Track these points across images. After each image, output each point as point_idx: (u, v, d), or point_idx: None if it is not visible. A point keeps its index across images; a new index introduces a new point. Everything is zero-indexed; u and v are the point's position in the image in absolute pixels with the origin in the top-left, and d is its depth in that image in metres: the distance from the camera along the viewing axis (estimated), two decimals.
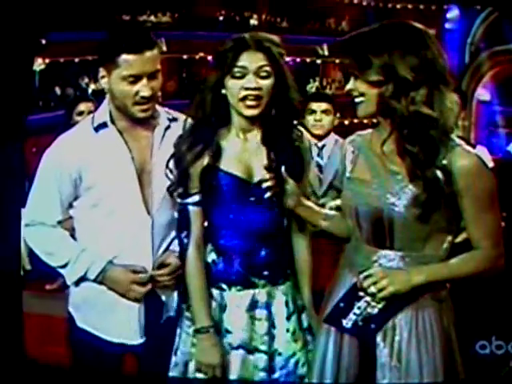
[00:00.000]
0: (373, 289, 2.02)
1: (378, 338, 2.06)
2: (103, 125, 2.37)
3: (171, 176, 2.25)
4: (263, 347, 2.24)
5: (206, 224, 2.28)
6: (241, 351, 2.23)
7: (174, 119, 2.44)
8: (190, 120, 2.25)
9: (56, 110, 5.97)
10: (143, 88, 2.29)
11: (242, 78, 2.12)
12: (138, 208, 2.38)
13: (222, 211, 2.22)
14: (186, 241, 2.27)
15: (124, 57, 2.28)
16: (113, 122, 2.37)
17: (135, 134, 2.41)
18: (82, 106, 4.12)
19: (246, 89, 2.11)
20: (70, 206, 2.41)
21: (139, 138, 2.41)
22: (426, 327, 2.04)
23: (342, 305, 2.09)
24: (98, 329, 2.41)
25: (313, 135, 3.71)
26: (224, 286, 2.25)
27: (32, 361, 2.44)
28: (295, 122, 2.26)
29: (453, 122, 2.00)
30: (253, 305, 2.24)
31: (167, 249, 2.45)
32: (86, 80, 6.86)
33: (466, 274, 2.04)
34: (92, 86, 6.92)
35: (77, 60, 6.25)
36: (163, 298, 2.43)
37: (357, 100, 2.04)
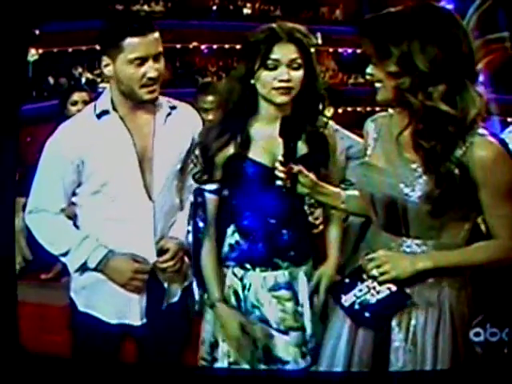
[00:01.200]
0: (375, 272, 2.04)
1: (394, 323, 2.09)
2: (105, 112, 2.42)
3: (196, 163, 2.34)
4: (295, 324, 2.33)
5: (228, 204, 2.35)
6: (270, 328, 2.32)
7: (174, 107, 2.49)
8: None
9: (50, 99, 5.98)
10: (150, 69, 2.35)
11: (274, 69, 2.21)
12: (140, 194, 2.43)
13: (246, 195, 2.32)
14: (201, 224, 2.33)
15: (129, 40, 2.33)
16: (115, 109, 2.42)
17: (137, 120, 2.46)
18: (76, 96, 4.16)
19: (280, 81, 2.21)
20: (74, 193, 2.46)
21: (141, 124, 2.46)
22: (443, 314, 2.06)
23: (347, 281, 2.13)
24: (100, 311, 2.47)
25: None
26: (248, 266, 2.34)
27: (27, 351, 2.47)
28: (320, 109, 2.32)
29: (474, 117, 1.95)
30: (276, 285, 2.32)
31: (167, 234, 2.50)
32: (80, 70, 6.87)
33: (479, 261, 2.05)
34: (85, 76, 6.93)
35: (70, 50, 6.26)
36: (165, 284, 2.47)
37: (376, 85, 2.03)
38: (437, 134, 1.95)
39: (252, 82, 2.27)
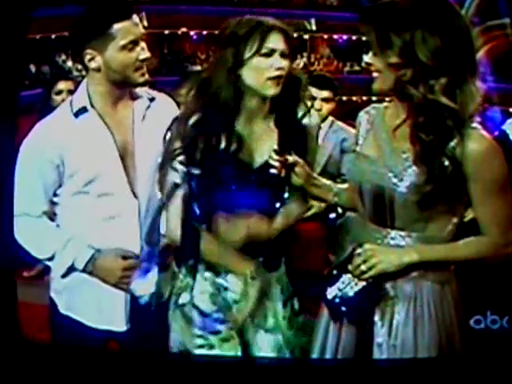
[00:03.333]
0: (363, 267, 2.08)
1: (376, 317, 2.12)
2: (83, 109, 2.41)
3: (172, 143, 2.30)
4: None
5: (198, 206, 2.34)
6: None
7: (153, 99, 2.50)
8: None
9: (31, 88, 5.95)
10: (142, 51, 2.36)
11: (269, 56, 2.21)
12: (124, 191, 2.43)
13: (219, 194, 2.29)
14: (199, 210, 2.30)
15: (117, 26, 2.34)
16: (92, 105, 2.41)
17: (116, 116, 2.47)
18: (61, 85, 4.17)
19: (277, 69, 2.21)
20: (55, 194, 2.45)
21: (120, 119, 2.46)
22: (423, 309, 2.11)
23: (334, 272, 2.15)
24: (83, 315, 2.46)
25: None
26: (219, 270, 2.32)
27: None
28: (301, 97, 2.35)
29: (473, 111, 2.00)
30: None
31: (155, 231, 2.51)
32: (63, 57, 6.84)
33: (466, 257, 2.10)
34: (69, 64, 6.90)
35: (53, 36, 6.23)
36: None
37: (374, 74, 2.06)
38: (436, 128, 1.98)
39: (238, 73, 2.28)
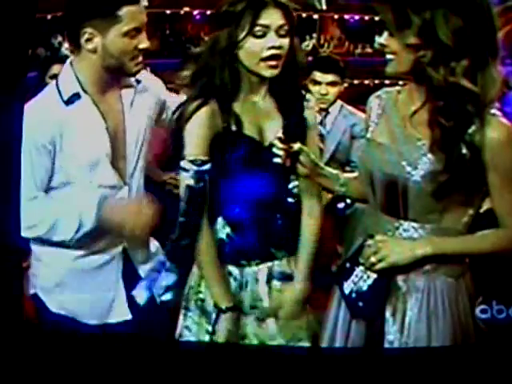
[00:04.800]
0: (373, 259, 2.06)
1: (387, 314, 2.10)
2: (75, 95, 2.37)
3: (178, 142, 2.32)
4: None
5: (212, 193, 2.32)
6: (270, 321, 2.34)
7: (139, 81, 2.48)
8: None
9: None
10: (143, 40, 2.34)
11: (263, 36, 2.18)
12: (113, 178, 2.41)
13: (232, 180, 2.29)
14: (197, 215, 2.28)
15: (126, 9, 2.30)
16: (85, 91, 2.38)
17: (107, 101, 2.45)
18: (56, 69, 4.11)
19: (270, 48, 2.18)
20: (49, 180, 2.42)
21: (111, 105, 2.45)
22: (437, 304, 2.09)
23: (347, 265, 2.14)
24: (77, 312, 2.45)
25: None
26: (243, 262, 2.33)
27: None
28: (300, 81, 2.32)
29: (493, 96, 1.99)
30: (274, 277, 2.32)
31: None
32: (60, 39, 6.80)
33: (483, 250, 2.08)
34: (66, 46, 6.87)
35: (49, 17, 6.19)
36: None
37: (388, 57, 2.03)
38: (456, 112, 1.94)
39: (235, 52, 2.25)
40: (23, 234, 2.44)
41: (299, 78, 2.34)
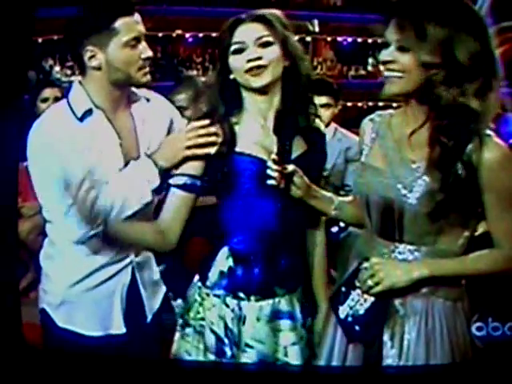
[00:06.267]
0: (370, 282, 2.08)
1: (385, 337, 2.11)
2: (88, 112, 2.41)
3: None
4: (286, 358, 2.32)
5: (217, 220, 2.35)
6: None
7: (149, 100, 2.53)
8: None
9: None
10: (145, 49, 2.39)
11: (242, 51, 2.23)
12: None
13: (237, 207, 2.29)
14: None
15: (121, 21, 2.35)
16: (97, 106, 2.42)
17: (119, 118, 2.48)
18: (47, 92, 4.17)
19: (249, 61, 2.23)
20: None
21: (123, 122, 2.49)
22: (435, 328, 2.11)
23: (343, 289, 2.16)
24: (83, 326, 2.48)
25: None
26: (242, 295, 2.30)
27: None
28: (309, 97, 2.35)
29: (493, 116, 2.05)
30: (275, 315, 2.30)
31: None
32: (51, 62, 6.84)
33: (480, 271, 2.10)
34: (57, 69, 6.91)
35: (40, 40, 6.23)
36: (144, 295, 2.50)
37: (393, 74, 2.04)
38: (459, 131, 1.98)
39: (231, 76, 2.32)
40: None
41: (306, 93, 2.37)
